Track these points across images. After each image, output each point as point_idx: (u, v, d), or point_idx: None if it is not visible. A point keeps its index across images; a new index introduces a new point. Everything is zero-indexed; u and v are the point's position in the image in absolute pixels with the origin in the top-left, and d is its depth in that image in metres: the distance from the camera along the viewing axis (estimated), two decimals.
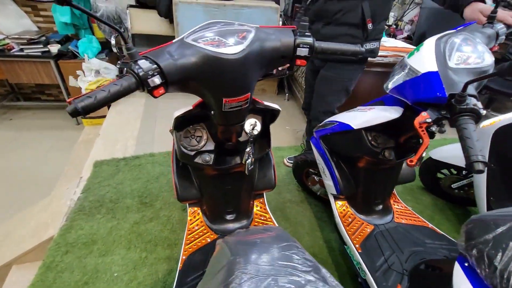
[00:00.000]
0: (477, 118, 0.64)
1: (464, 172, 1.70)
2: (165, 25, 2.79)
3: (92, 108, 0.52)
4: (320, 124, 1.31)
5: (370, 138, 1.01)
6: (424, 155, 0.99)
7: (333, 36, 1.39)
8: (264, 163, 1.14)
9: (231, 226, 1.13)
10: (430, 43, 0.78)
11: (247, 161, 0.92)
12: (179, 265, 0.98)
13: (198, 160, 0.91)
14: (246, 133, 0.88)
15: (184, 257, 1.00)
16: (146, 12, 2.73)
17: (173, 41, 0.64)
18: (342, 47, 0.73)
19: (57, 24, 2.64)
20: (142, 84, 0.56)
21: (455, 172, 1.74)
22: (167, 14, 2.60)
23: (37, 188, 2.12)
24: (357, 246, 1.10)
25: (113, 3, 2.63)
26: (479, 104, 0.63)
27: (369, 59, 1.85)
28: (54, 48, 2.54)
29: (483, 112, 0.63)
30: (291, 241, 0.54)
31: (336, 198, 1.26)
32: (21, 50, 2.51)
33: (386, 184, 1.21)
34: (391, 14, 3.08)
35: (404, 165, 1.22)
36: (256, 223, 1.15)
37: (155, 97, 0.59)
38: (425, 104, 0.74)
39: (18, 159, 2.50)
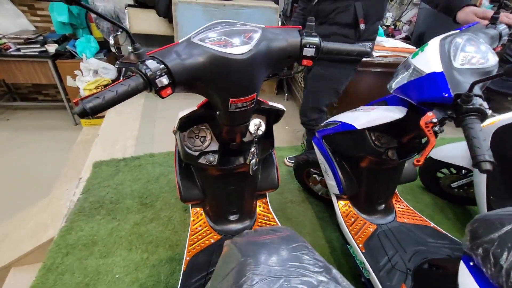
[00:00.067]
0: (483, 118, 0.64)
1: (463, 171, 1.71)
2: (164, 25, 2.77)
3: (100, 109, 0.51)
4: (322, 124, 1.31)
5: (373, 138, 1.01)
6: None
7: (326, 35, 1.39)
8: (267, 163, 1.14)
9: (234, 226, 1.12)
10: (434, 43, 0.78)
11: (251, 162, 0.92)
12: (183, 266, 0.98)
13: (202, 160, 0.91)
14: (250, 133, 0.88)
15: (187, 258, 1.00)
16: (144, 12, 2.72)
17: (180, 41, 0.64)
18: (348, 47, 0.73)
19: (54, 24, 2.62)
20: (150, 84, 0.56)
21: (454, 171, 1.75)
22: (166, 13, 2.58)
23: (36, 189, 2.10)
24: (360, 245, 1.11)
25: (111, 3, 2.62)
26: (485, 104, 0.64)
27: (368, 59, 1.86)
28: (52, 48, 2.51)
29: (489, 112, 0.64)
30: (301, 242, 0.54)
31: (338, 198, 1.26)
32: (18, 49, 2.48)
33: (388, 183, 1.21)
34: (389, 14, 3.09)
35: (406, 164, 1.23)
36: (259, 224, 1.15)
37: (162, 97, 0.59)
38: (430, 104, 0.74)
39: (16, 159, 2.48)
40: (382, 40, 2.14)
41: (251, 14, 2.47)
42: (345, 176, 1.19)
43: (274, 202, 1.74)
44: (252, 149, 0.89)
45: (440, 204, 1.85)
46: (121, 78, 2.74)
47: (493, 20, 0.83)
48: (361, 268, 1.09)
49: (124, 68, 2.73)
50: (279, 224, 1.16)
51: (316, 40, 0.68)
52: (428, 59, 0.76)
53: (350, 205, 1.26)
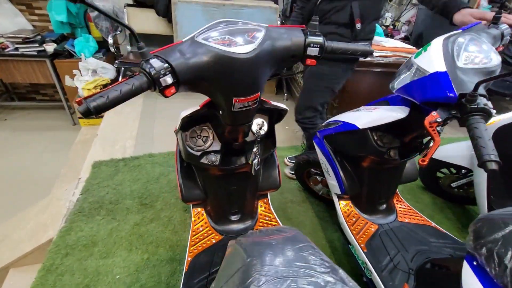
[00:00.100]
0: (488, 117, 0.64)
1: (463, 171, 1.71)
2: (163, 25, 2.76)
3: (104, 108, 0.51)
4: (323, 124, 1.31)
5: (376, 138, 1.01)
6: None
7: (322, 34, 1.39)
8: (268, 163, 1.14)
9: (236, 227, 1.12)
10: (437, 43, 0.78)
11: (253, 161, 0.91)
12: (185, 267, 0.97)
13: (204, 160, 0.90)
14: (253, 133, 0.87)
15: (189, 259, 0.99)
16: (144, 11, 2.71)
17: (183, 40, 0.63)
18: (352, 46, 0.73)
19: (52, 23, 2.60)
20: (154, 83, 0.55)
21: (454, 171, 1.75)
22: (166, 13, 2.58)
23: (34, 189, 2.09)
24: (362, 245, 1.11)
25: (110, 2, 2.61)
26: (490, 104, 0.64)
27: (368, 59, 1.86)
28: (50, 47, 2.50)
29: (494, 111, 0.64)
30: (307, 242, 0.54)
31: (340, 198, 1.26)
32: (16, 49, 2.46)
33: (390, 183, 1.21)
34: (389, 14, 3.10)
35: (407, 164, 1.23)
36: (260, 224, 1.15)
37: (166, 97, 0.58)
38: (434, 103, 0.74)
39: (14, 160, 2.46)
40: (382, 40, 2.14)
41: (250, 14, 2.47)
42: (346, 176, 1.19)
43: (275, 202, 1.74)
44: (255, 149, 0.89)
45: (440, 204, 1.86)
46: (120, 78, 2.74)
47: (495, 20, 0.84)
48: (363, 268, 1.09)
49: (123, 68, 2.73)
50: (281, 224, 1.16)
51: (320, 39, 0.68)
52: (432, 59, 0.76)
53: (352, 205, 1.25)
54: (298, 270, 0.47)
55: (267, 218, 1.17)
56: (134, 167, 1.88)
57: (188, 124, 0.87)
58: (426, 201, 1.88)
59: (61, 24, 2.58)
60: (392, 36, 3.03)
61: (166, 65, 0.56)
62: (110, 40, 2.57)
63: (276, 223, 1.16)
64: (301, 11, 1.54)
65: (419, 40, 2.81)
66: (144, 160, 1.95)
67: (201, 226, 1.11)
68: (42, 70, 2.58)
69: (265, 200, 1.21)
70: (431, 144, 0.97)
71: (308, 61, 0.71)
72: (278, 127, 0.96)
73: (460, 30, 0.82)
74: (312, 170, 1.62)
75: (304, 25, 0.71)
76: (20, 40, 2.45)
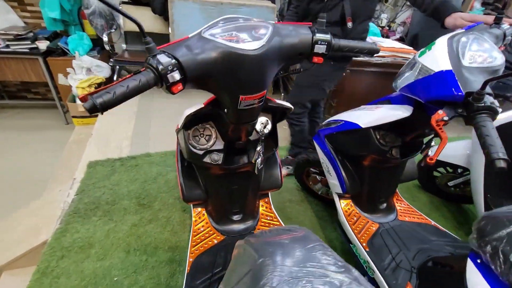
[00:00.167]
0: (494, 115, 0.64)
1: (459, 170, 1.73)
2: (159, 23, 2.73)
3: (111, 105, 0.49)
4: (324, 123, 1.31)
5: (378, 137, 1.01)
6: (430, 153, 1.01)
7: None
8: (270, 163, 1.13)
9: (237, 227, 1.11)
10: (442, 42, 0.78)
11: (257, 161, 0.90)
12: (187, 268, 0.96)
13: (207, 159, 0.89)
14: (257, 131, 0.86)
15: (191, 260, 0.98)
16: (139, 9, 2.67)
17: (190, 36, 0.62)
18: (359, 45, 0.72)
19: (45, 20, 2.53)
20: (161, 79, 0.54)
21: (451, 170, 1.77)
22: (162, 11, 2.54)
23: (26, 190, 2.03)
24: (364, 244, 1.11)
25: None
26: (496, 102, 0.64)
27: (366, 59, 1.87)
28: (43, 45, 2.44)
29: (500, 110, 0.64)
30: (318, 241, 0.53)
31: (340, 197, 1.26)
32: (7, 46, 2.40)
33: (390, 182, 1.22)
34: (384, 15, 3.12)
35: (407, 163, 1.24)
36: (262, 223, 1.14)
37: (173, 94, 0.57)
38: (439, 102, 0.74)
39: (5, 160, 2.39)
40: (379, 40, 2.15)
41: (248, 13, 2.46)
42: (348, 175, 1.19)
43: (274, 202, 1.71)
44: (258, 148, 0.88)
45: (437, 203, 1.88)
46: (115, 76, 2.69)
47: (497, 20, 0.84)
48: (365, 267, 1.09)
49: (118, 66, 2.68)
50: (282, 224, 1.15)
51: (327, 37, 0.67)
52: (437, 58, 0.76)
53: (352, 204, 1.25)
54: (312, 270, 0.46)
55: (268, 218, 1.16)
56: (131, 167, 1.85)
57: (191, 122, 0.85)
58: (423, 200, 1.90)
59: (54, 21, 2.52)
60: (387, 37, 3.05)
61: (174, 60, 0.54)
62: (105, 38, 2.53)
63: (277, 223, 1.15)
64: (296, 9, 1.54)
65: (414, 41, 2.84)
66: (141, 159, 1.92)
67: (202, 226, 1.09)
68: (34, 68, 2.52)
69: (266, 200, 1.20)
70: (432, 143, 0.98)
71: (315, 59, 0.70)
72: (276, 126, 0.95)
73: (463, 30, 0.82)
74: (311, 169, 1.62)
75: (311, 23, 0.71)
76: (12, 37, 2.38)
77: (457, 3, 2.80)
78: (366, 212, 1.24)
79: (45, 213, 1.55)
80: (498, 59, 0.74)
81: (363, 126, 1.02)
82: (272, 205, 1.20)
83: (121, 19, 2.66)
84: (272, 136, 0.97)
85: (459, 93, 0.68)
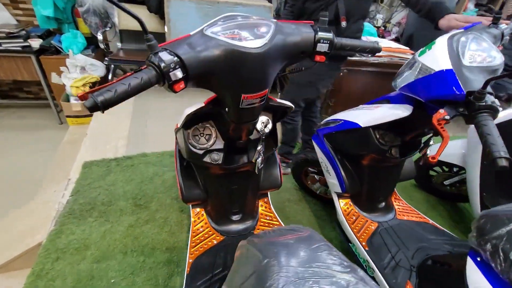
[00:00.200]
0: (495, 114, 0.65)
1: (455, 169, 1.75)
2: (155, 22, 2.70)
3: (112, 103, 0.48)
4: (322, 123, 1.31)
5: (378, 136, 1.01)
6: (428, 152, 1.01)
7: None
8: (269, 162, 1.12)
9: (237, 227, 1.10)
10: (442, 41, 0.79)
11: (257, 160, 0.90)
12: (186, 269, 0.94)
13: (207, 159, 0.88)
14: (257, 131, 0.86)
15: (190, 261, 0.97)
16: (134, 8, 2.63)
17: (191, 33, 0.61)
18: (361, 43, 0.72)
19: (38, 18, 2.49)
20: (163, 77, 0.52)
21: (446, 169, 1.79)
22: (158, 10, 2.52)
23: (20, 192, 1.99)
24: (363, 243, 1.11)
25: None
26: (497, 101, 0.65)
27: (363, 58, 1.88)
28: (36, 43, 2.39)
29: (501, 109, 0.65)
30: (323, 241, 0.52)
31: (339, 196, 1.26)
32: None
33: (389, 181, 1.22)
34: (380, 16, 3.14)
35: (405, 162, 1.24)
36: (261, 223, 1.13)
37: (175, 92, 0.56)
38: (440, 101, 0.75)
39: None
40: (376, 40, 2.16)
41: (245, 12, 2.44)
42: (347, 174, 1.19)
43: (272, 201, 1.71)
44: (259, 147, 0.88)
45: (433, 202, 1.90)
46: (110, 75, 2.66)
47: (495, 20, 0.85)
48: (364, 266, 1.09)
49: (113, 65, 2.65)
50: (282, 224, 1.15)
51: (330, 35, 0.67)
52: (437, 57, 0.76)
53: (351, 204, 1.26)
54: (318, 270, 0.45)
55: (268, 218, 1.15)
56: (127, 167, 1.83)
57: (191, 121, 0.84)
58: (419, 199, 1.91)
59: (47, 19, 2.47)
60: (383, 37, 3.07)
61: (176, 58, 0.53)
62: (100, 37, 2.49)
63: (277, 223, 1.15)
64: (291, 8, 1.54)
65: (409, 41, 2.86)
66: (137, 160, 1.89)
67: (202, 226, 1.08)
68: (26, 66, 2.47)
69: (265, 200, 1.20)
70: (431, 142, 0.98)
71: (317, 58, 0.70)
72: None
73: (462, 30, 0.83)
74: (310, 169, 1.62)
75: (313, 22, 0.70)
76: (4, 35, 2.33)
77: (450, 4, 2.84)
78: (365, 211, 1.24)
79: (40, 215, 1.52)
80: (497, 58, 0.74)
81: (362, 125, 1.02)
82: (272, 205, 1.20)
83: (116, 17, 2.62)
84: (271, 136, 0.96)
85: (461, 93, 0.68)
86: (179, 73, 0.53)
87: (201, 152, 0.86)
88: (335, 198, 1.28)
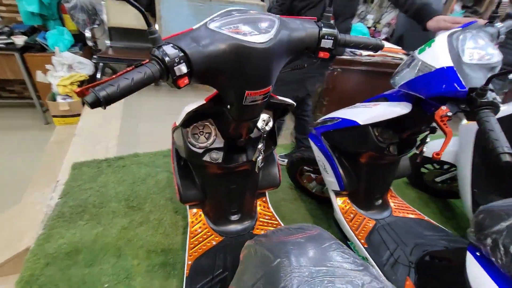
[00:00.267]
0: (497, 110, 0.66)
1: (445, 166, 1.79)
2: None
3: (114, 98, 0.46)
4: (319, 121, 1.31)
5: (377, 134, 1.02)
6: (425, 150, 1.03)
7: None
8: (268, 161, 1.11)
9: (235, 227, 1.08)
10: (442, 39, 0.79)
11: (258, 159, 0.88)
12: (185, 271, 0.92)
13: (206, 158, 0.86)
14: (258, 129, 0.84)
15: (189, 262, 0.94)
16: (124, 4, 2.56)
17: (194, 27, 0.59)
18: (364, 40, 0.72)
19: (22, 14, 2.38)
20: (167, 72, 0.50)
21: (438, 166, 1.83)
22: (148, 7, 2.46)
23: (5, 195, 1.90)
24: (362, 241, 1.11)
25: None
26: (498, 98, 0.66)
27: (356, 58, 1.90)
28: (20, 40, 2.29)
29: (501, 105, 0.66)
30: (333, 240, 0.51)
31: (337, 194, 1.26)
32: None
33: (386, 179, 1.23)
34: (370, 16, 3.19)
35: (401, 159, 1.26)
36: (260, 223, 1.12)
37: (179, 88, 0.54)
38: (441, 98, 0.75)
39: None
40: None
41: None
42: (345, 172, 1.19)
43: None
44: (260, 146, 0.86)
45: (424, 199, 1.93)
46: (99, 74, 2.58)
47: (492, 19, 0.87)
48: None
49: (101, 64, 2.57)
50: (281, 223, 1.14)
51: (334, 31, 0.66)
52: (438, 55, 0.77)
53: (349, 201, 1.26)
54: (332, 269, 0.44)
55: (267, 217, 1.14)
56: (118, 167, 1.78)
57: (191, 119, 0.82)
58: (411, 196, 1.94)
59: (32, 15, 2.37)
60: (373, 38, 3.12)
61: (180, 52, 0.51)
62: (88, 34, 2.42)
63: (276, 222, 1.14)
64: (280, 7, 1.54)
65: (399, 41, 2.91)
66: (129, 160, 1.84)
67: (200, 227, 1.06)
68: (10, 64, 2.36)
69: (263, 199, 1.19)
70: (428, 139, 1.00)
71: (321, 54, 0.69)
72: None
73: (460, 28, 0.84)
74: (305, 167, 1.62)
75: (316, 18, 0.69)
76: None
77: (438, 6, 2.91)
78: (362, 209, 1.25)
79: (27, 218, 1.46)
80: (495, 55, 0.76)
81: (361, 123, 1.02)
82: (270, 204, 1.19)
83: (104, 14, 2.55)
84: (271, 134, 0.95)
85: (463, 89, 0.69)
86: (183, 68, 0.51)
87: (200, 151, 0.84)
88: (332, 196, 1.28)
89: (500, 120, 1.29)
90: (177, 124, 0.85)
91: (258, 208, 1.16)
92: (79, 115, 2.38)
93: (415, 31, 2.95)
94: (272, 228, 1.11)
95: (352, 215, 1.22)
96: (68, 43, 2.45)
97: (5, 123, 2.73)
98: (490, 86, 0.66)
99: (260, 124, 0.83)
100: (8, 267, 1.27)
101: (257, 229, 1.09)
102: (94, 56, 2.43)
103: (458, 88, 0.69)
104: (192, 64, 0.53)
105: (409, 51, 2.18)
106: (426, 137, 1.00)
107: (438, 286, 0.91)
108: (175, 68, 0.50)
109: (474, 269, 0.76)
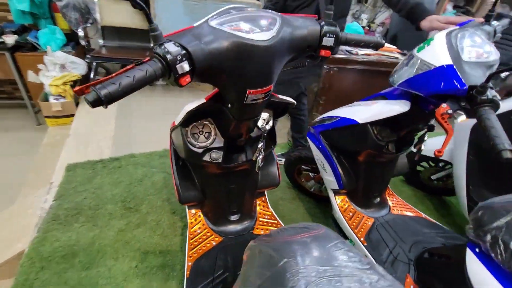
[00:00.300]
0: (497, 108, 0.66)
1: (441, 164, 1.81)
2: (139, 18, 2.61)
3: (116, 97, 0.45)
4: (317, 120, 1.31)
5: (376, 132, 1.02)
6: (423, 147, 1.04)
7: None
8: (267, 160, 1.11)
9: (235, 227, 1.08)
10: (441, 37, 0.80)
11: (258, 158, 0.88)
12: (186, 272, 0.91)
13: (206, 158, 0.85)
14: (258, 128, 0.84)
15: (189, 264, 0.93)
16: (117, 3, 2.53)
17: (195, 25, 0.58)
18: (365, 38, 0.72)
19: (12, 12, 2.33)
20: (169, 70, 0.49)
21: (433, 164, 1.85)
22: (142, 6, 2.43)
23: None
24: (362, 239, 1.12)
25: None
26: (498, 95, 0.66)
27: (352, 57, 1.91)
28: (11, 39, 2.24)
29: (501, 102, 0.66)
30: (339, 239, 0.51)
31: (336, 193, 1.27)
32: None
33: (384, 176, 1.24)
34: (364, 16, 3.21)
35: (398, 157, 1.27)
36: (260, 223, 1.12)
37: (181, 86, 0.53)
38: (441, 96, 0.76)
39: None
40: None
41: None
42: (344, 171, 1.20)
43: None
44: (260, 145, 0.86)
45: (420, 196, 1.95)
46: (92, 73, 2.54)
47: (488, 18, 0.88)
48: None
49: (95, 63, 2.54)
50: (281, 222, 1.14)
51: (336, 29, 0.66)
52: (437, 53, 0.78)
53: (348, 200, 1.26)
54: (339, 269, 0.44)
55: (266, 217, 1.14)
56: (114, 169, 1.75)
57: (190, 119, 0.81)
58: (407, 194, 1.96)
59: (23, 13, 2.32)
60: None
61: (183, 50, 0.50)
62: (81, 33, 2.38)
63: (275, 221, 1.13)
64: (274, 6, 1.53)
65: (393, 41, 2.94)
66: (125, 161, 1.82)
67: (199, 228, 1.05)
68: (0, 64, 2.31)
69: (262, 199, 1.18)
70: (426, 137, 1.01)
71: (323, 52, 0.69)
72: None
73: (458, 27, 0.85)
74: (303, 166, 1.62)
75: (316, 15, 0.69)
76: None
77: (431, 6, 2.94)
78: (361, 207, 1.25)
79: (21, 221, 1.42)
80: (492, 53, 0.77)
81: (360, 122, 1.02)
82: (269, 204, 1.18)
83: (97, 13, 2.51)
84: (270, 133, 0.95)
85: (463, 87, 0.69)
86: (186, 66, 0.50)
87: (200, 150, 0.83)
88: (331, 195, 1.28)
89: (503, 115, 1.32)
90: (176, 123, 0.83)
91: (258, 207, 1.15)
92: (72, 115, 2.34)
93: (408, 31, 2.99)
94: (272, 228, 1.11)
95: (351, 214, 1.22)
96: (60, 42, 2.41)
97: None
98: (490, 84, 0.67)
99: (260, 123, 0.83)
100: (2, 271, 1.24)
101: (257, 229, 1.08)
102: (87, 56, 2.39)
103: (459, 86, 0.70)
104: (195, 62, 0.52)
105: (403, 50, 2.20)
106: (424, 135, 1.01)
107: (437, 282, 0.92)
108: (177, 66, 0.49)
109: (474, 265, 0.76)
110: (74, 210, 1.46)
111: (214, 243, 1.01)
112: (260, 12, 0.62)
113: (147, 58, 0.51)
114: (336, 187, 1.21)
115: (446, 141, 0.74)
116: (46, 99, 2.32)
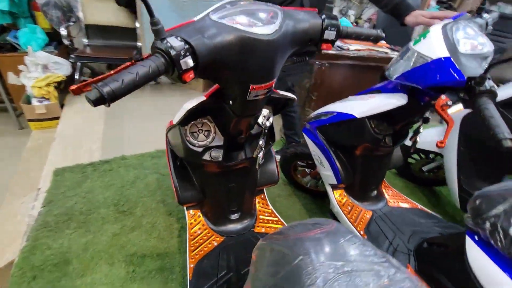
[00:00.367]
0: (494, 98, 0.68)
1: (431, 155, 1.86)
2: (123, 16, 2.54)
3: (119, 95, 0.42)
4: (313, 116, 1.31)
5: (373, 126, 1.03)
6: (418, 140, 1.05)
7: None
8: (266, 157, 1.10)
9: (235, 226, 1.06)
10: (437, 30, 0.81)
11: (258, 155, 0.87)
12: (188, 274, 0.89)
13: (206, 156, 0.83)
14: (259, 125, 0.83)
15: (191, 266, 0.91)
16: (101, 1, 2.45)
17: (196, 19, 0.56)
18: (366, 31, 0.72)
19: None
20: (173, 65, 0.47)
21: (424, 156, 1.89)
22: (127, 3, 2.36)
23: None
24: (361, 232, 1.13)
25: None
26: (495, 86, 0.68)
27: (343, 52, 1.92)
28: None
29: (498, 93, 0.68)
30: (351, 233, 0.51)
31: (334, 187, 1.27)
32: None
33: (380, 169, 1.25)
34: (351, 12, 3.23)
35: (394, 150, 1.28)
36: (261, 221, 1.11)
37: (185, 82, 0.51)
38: (440, 88, 0.77)
39: None
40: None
41: None
42: (341, 165, 1.20)
43: None
44: (261, 142, 0.84)
45: (411, 188, 1.99)
46: (77, 74, 2.45)
47: (479, 11, 0.90)
48: None
49: (79, 63, 2.45)
50: (281, 219, 1.13)
51: (337, 22, 0.66)
52: (434, 46, 0.78)
53: (345, 194, 1.27)
54: (356, 264, 0.44)
55: (266, 214, 1.13)
56: (104, 171, 1.70)
57: (189, 117, 0.78)
58: (399, 185, 2.00)
59: (1, 13, 2.21)
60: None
61: (186, 45, 0.48)
62: (63, 32, 2.29)
63: (276, 218, 1.13)
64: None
65: None
66: (116, 163, 1.77)
67: (199, 229, 1.03)
68: None
69: (262, 196, 1.18)
70: (421, 130, 1.02)
71: (324, 46, 0.68)
72: None
73: (452, 20, 0.86)
74: (299, 162, 1.62)
75: (316, 9, 0.68)
76: None
77: (415, 1, 3.00)
78: (358, 200, 1.26)
79: (7, 230, 1.36)
80: (486, 45, 0.78)
81: (358, 116, 1.02)
82: (268, 201, 1.18)
83: (80, 11, 2.42)
84: (269, 130, 0.94)
85: (462, 79, 0.70)
86: (190, 61, 0.48)
87: (200, 149, 0.81)
88: (329, 190, 1.28)
89: (472, 114, 1.35)
90: (174, 122, 0.81)
91: (257, 205, 1.14)
92: (57, 118, 2.25)
93: (394, 26, 3.04)
94: (273, 225, 1.10)
95: (349, 208, 1.23)
96: (41, 42, 2.31)
97: None
98: (488, 74, 0.68)
99: (260, 119, 0.81)
100: None
101: (258, 227, 1.07)
102: (72, 56, 2.31)
103: (458, 77, 0.71)
104: (198, 57, 0.50)
105: (391, 45, 2.23)
106: (419, 127, 1.02)
107: (437, 270, 0.94)
108: (181, 61, 0.47)
109: (474, 253, 0.78)
110: (65, 216, 1.40)
111: (215, 244, 0.99)
112: (261, 5, 0.60)
113: (148, 54, 0.49)
114: (334, 181, 1.21)
115: (448, 132, 0.75)
116: (28, 101, 2.22)
